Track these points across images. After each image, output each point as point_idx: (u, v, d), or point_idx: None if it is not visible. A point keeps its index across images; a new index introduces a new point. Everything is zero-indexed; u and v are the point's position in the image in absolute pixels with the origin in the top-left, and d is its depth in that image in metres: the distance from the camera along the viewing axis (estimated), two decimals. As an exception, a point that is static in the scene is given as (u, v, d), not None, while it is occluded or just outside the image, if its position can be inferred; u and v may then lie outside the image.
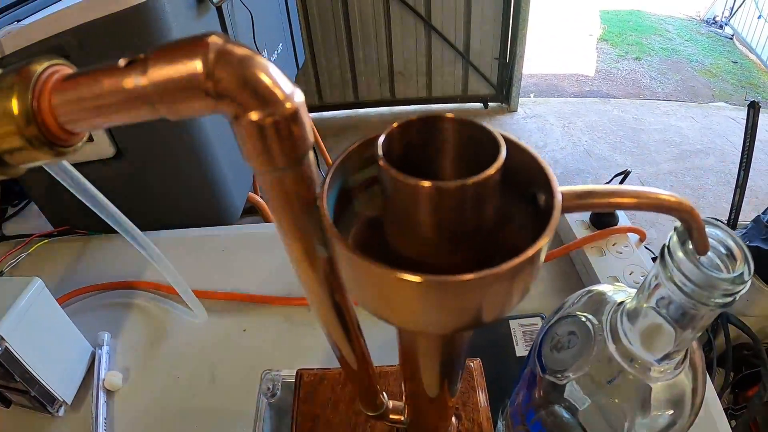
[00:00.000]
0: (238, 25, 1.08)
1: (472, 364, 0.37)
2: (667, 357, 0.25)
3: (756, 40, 5.20)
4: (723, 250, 0.22)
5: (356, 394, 0.29)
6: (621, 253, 0.68)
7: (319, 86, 3.28)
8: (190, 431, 0.57)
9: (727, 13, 5.99)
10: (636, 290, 0.26)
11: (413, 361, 0.23)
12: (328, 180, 0.17)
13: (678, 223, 0.21)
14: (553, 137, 3.32)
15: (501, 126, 3.40)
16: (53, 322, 0.59)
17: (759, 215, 1.50)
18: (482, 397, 0.36)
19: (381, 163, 0.16)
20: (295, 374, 0.39)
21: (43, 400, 0.56)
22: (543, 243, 0.16)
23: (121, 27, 0.71)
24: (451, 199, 0.15)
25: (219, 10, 0.97)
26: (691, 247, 0.21)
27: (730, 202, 1.65)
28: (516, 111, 3.56)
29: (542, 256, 0.17)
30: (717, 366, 1.43)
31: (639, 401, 0.26)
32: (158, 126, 0.82)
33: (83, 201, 0.53)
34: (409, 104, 3.42)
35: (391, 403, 0.31)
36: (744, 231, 1.52)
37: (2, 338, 0.50)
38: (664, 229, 2.44)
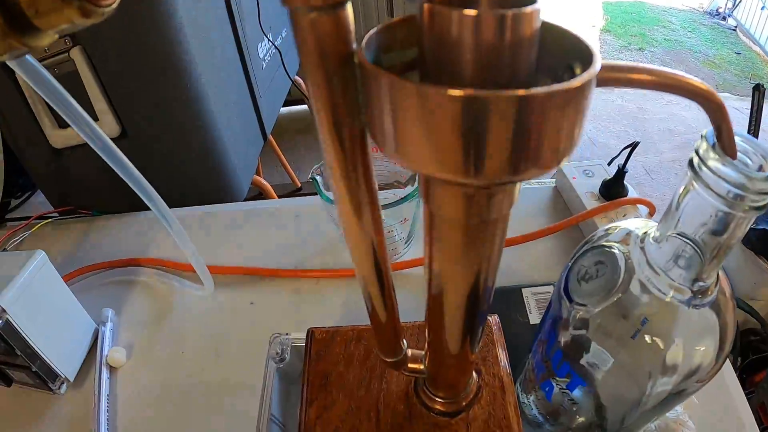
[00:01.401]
0: (243, 7, 1.06)
1: (490, 319, 0.36)
2: (696, 282, 0.24)
3: (759, 31, 5.19)
4: (750, 159, 0.21)
5: (375, 338, 0.27)
6: (632, 224, 0.67)
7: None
8: (195, 406, 0.56)
9: (730, 5, 5.97)
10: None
11: (441, 278, 0.22)
12: (366, 38, 0.16)
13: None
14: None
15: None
16: (56, 296, 0.58)
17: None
18: (502, 353, 0.34)
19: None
20: (305, 335, 0.37)
21: (44, 376, 0.55)
22: (592, 74, 0.15)
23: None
24: (490, 33, 0.14)
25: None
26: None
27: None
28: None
29: (590, 93, 0.15)
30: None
31: (666, 331, 0.25)
32: (162, 106, 0.82)
33: (101, 155, 0.53)
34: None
35: (410, 352, 0.30)
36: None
37: (4, 310, 0.49)
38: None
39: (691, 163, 0.21)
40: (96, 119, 0.82)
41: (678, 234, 0.23)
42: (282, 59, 1.36)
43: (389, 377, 0.33)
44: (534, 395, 0.37)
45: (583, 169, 0.77)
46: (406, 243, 0.67)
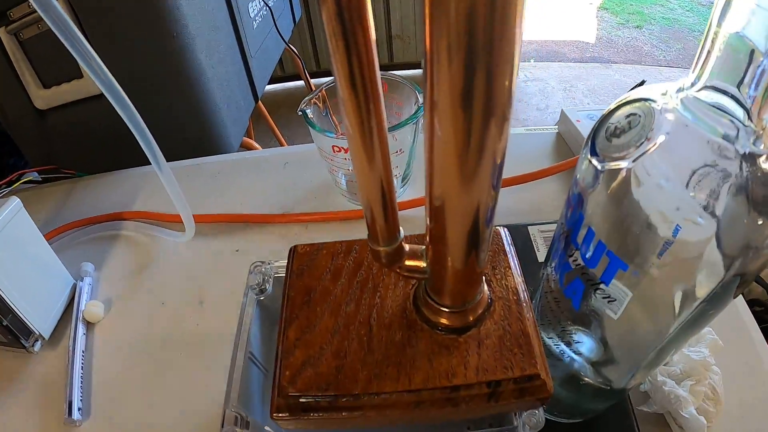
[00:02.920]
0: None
1: (499, 230, 0.32)
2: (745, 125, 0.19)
3: (758, 8, 5.21)
4: None
5: (371, 226, 0.22)
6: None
7: (316, 50, 3.20)
8: (176, 358, 0.53)
9: (729, -17, 5.97)
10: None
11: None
12: None
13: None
14: (554, 99, 3.28)
15: None
16: (32, 247, 0.56)
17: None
18: (514, 262, 0.30)
19: None
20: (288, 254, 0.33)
21: (17, 332, 0.53)
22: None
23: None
24: None
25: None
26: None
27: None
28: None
29: None
30: None
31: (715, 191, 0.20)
32: (149, 60, 0.80)
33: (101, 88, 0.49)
34: (407, 68, 3.35)
35: (407, 247, 0.25)
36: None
37: None
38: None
39: None
40: (80, 76, 0.81)
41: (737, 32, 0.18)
42: (274, 20, 1.31)
43: (383, 290, 0.28)
44: (554, 320, 0.33)
45: (587, 114, 0.75)
46: (403, 181, 0.63)
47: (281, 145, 1.87)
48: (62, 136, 0.90)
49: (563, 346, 0.34)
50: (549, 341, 0.35)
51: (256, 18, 1.20)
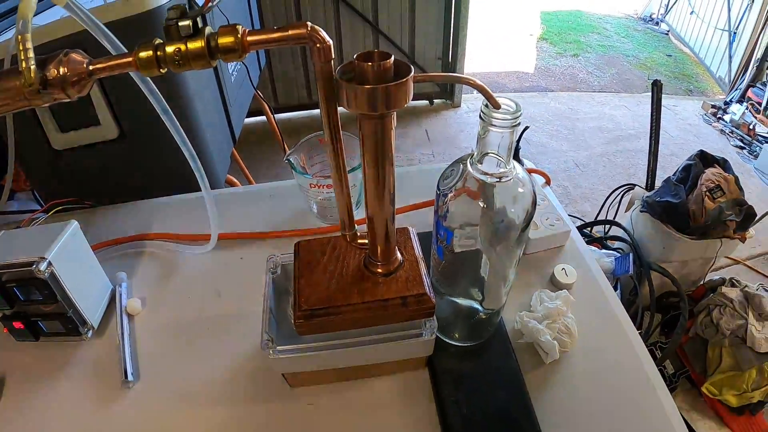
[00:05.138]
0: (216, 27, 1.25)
1: (409, 228, 0.59)
2: (501, 168, 0.46)
3: (689, 34, 5.55)
4: (509, 107, 0.43)
5: (341, 222, 0.49)
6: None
7: (275, 89, 3.45)
8: (204, 334, 0.72)
9: (662, 11, 6.33)
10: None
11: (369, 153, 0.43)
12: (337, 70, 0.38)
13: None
14: (496, 128, 3.55)
15: (445, 120, 3.69)
16: (84, 258, 0.73)
17: (669, 176, 1.77)
18: (415, 244, 0.56)
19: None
20: (293, 249, 0.58)
21: (77, 321, 0.68)
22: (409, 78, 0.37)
23: (130, 28, 0.87)
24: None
25: (203, 16, 1.14)
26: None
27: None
28: (459, 107, 3.86)
29: (410, 83, 0.38)
30: (656, 312, 1.68)
31: (488, 202, 0.47)
32: (156, 113, 0.99)
33: (153, 104, 0.66)
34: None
35: (359, 233, 0.52)
36: (656, 190, 1.78)
37: (50, 263, 0.62)
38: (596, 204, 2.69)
39: (481, 116, 0.43)
40: (98, 123, 0.99)
41: (487, 153, 0.45)
42: (248, 72, 1.55)
43: (348, 261, 0.55)
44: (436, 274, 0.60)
45: None
46: (357, 205, 0.88)
47: (249, 181, 2.09)
48: (76, 173, 1.06)
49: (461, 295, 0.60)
50: (457, 299, 0.61)
51: (234, 72, 1.43)
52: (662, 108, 1.83)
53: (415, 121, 3.65)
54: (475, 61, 4.94)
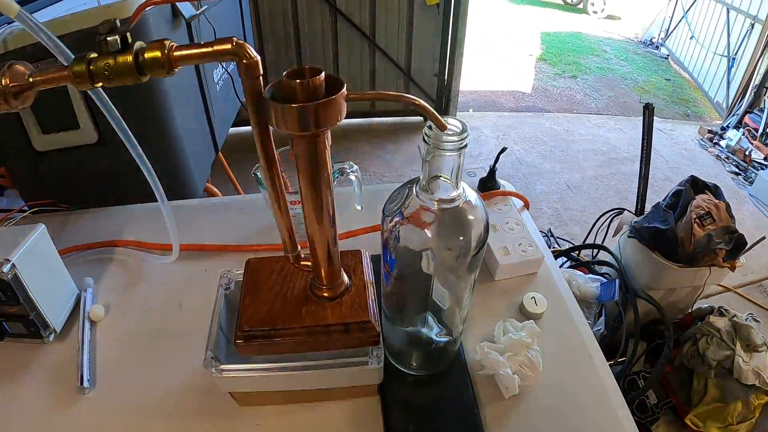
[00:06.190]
0: (203, 37, 1.25)
1: (362, 251, 0.57)
2: (445, 193, 0.45)
3: (689, 59, 5.60)
4: (455, 128, 0.41)
5: (283, 242, 0.47)
6: (501, 210, 0.88)
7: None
8: (162, 346, 0.72)
9: (663, 35, 6.38)
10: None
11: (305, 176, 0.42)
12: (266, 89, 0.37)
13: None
14: (487, 147, 3.58)
15: (439, 137, 3.65)
16: (50, 262, 0.73)
17: (658, 202, 1.76)
18: (366, 268, 0.55)
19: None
20: (244, 264, 0.56)
21: (38, 324, 0.68)
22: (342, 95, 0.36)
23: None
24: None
25: (189, 24, 1.15)
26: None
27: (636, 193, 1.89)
28: (454, 124, 3.81)
29: (342, 101, 0.37)
30: (641, 339, 1.65)
31: (436, 228, 0.45)
32: (134, 119, 0.96)
33: (111, 123, 0.66)
34: (354, 117, 3.64)
35: (303, 255, 0.50)
36: (645, 215, 1.76)
37: (14, 265, 0.62)
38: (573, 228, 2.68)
39: (424, 138, 0.41)
40: (78, 127, 0.99)
41: (436, 176, 0.43)
42: (233, 83, 1.55)
43: (295, 282, 0.53)
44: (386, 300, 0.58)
45: (466, 171, 0.98)
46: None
47: (237, 191, 2.09)
48: (56, 175, 1.06)
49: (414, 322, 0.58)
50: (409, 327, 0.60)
51: (219, 82, 1.43)
52: (658, 132, 1.82)
53: (408, 138, 3.66)
54: (473, 79, 4.96)
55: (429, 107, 0.38)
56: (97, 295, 0.80)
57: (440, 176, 0.44)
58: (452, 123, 0.41)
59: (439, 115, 0.38)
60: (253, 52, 0.35)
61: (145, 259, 0.86)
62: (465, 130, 0.41)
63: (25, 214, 0.92)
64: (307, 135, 0.38)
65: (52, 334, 0.72)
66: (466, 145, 0.41)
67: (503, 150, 0.90)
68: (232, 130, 1.65)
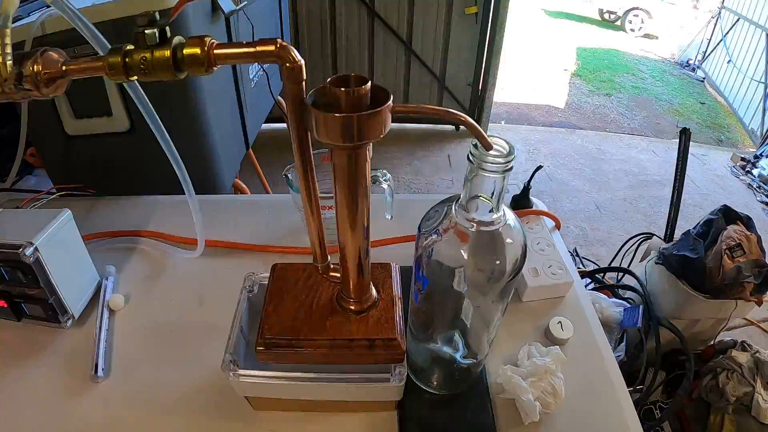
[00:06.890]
0: (240, 33, 1.25)
1: (392, 264, 0.55)
2: (485, 215, 0.43)
3: (725, 83, 5.49)
4: (501, 149, 0.40)
5: (313, 252, 0.46)
6: (532, 229, 0.86)
7: (304, 99, 3.46)
8: (180, 342, 0.71)
9: (700, 57, 6.28)
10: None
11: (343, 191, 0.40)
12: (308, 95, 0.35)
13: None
14: (518, 161, 3.51)
15: (484, 157, 3.63)
16: (74, 248, 0.73)
17: (689, 229, 1.72)
18: (395, 283, 0.53)
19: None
20: (270, 270, 0.55)
21: (57, 309, 0.68)
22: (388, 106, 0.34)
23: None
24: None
25: (227, 20, 1.15)
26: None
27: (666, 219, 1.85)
28: (486, 136, 3.79)
29: (387, 114, 0.35)
30: (661, 369, 1.61)
31: (472, 247, 0.43)
32: (168, 109, 0.97)
33: (143, 113, 0.67)
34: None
35: (332, 265, 0.48)
36: (675, 242, 1.72)
37: (37, 249, 0.63)
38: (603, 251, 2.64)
39: (469, 157, 0.40)
40: (111, 114, 1.00)
41: (476, 196, 0.42)
42: (268, 81, 1.55)
43: (321, 292, 0.52)
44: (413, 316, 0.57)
45: None
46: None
47: (266, 190, 2.09)
48: (86, 160, 1.08)
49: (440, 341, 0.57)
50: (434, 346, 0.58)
51: (254, 78, 1.43)
52: (690, 157, 1.78)
53: (439, 146, 3.63)
54: (506, 90, 4.94)
55: (476, 125, 0.37)
56: (118, 284, 0.80)
57: (481, 196, 0.42)
58: (499, 143, 0.39)
59: (483, 134, 0.37)
60: (297, 56, 0.34)
61: (169, 252, 0.85)
62: (512, 152, 0.39)
63: (53, 197, 0.92)
64: (348, 146, 0.37)
65: (70, 320, 0.71)
66: (511, 168, 0.39)
67: (539, 168, 0.87)
68: (262, 126, 1.65)
